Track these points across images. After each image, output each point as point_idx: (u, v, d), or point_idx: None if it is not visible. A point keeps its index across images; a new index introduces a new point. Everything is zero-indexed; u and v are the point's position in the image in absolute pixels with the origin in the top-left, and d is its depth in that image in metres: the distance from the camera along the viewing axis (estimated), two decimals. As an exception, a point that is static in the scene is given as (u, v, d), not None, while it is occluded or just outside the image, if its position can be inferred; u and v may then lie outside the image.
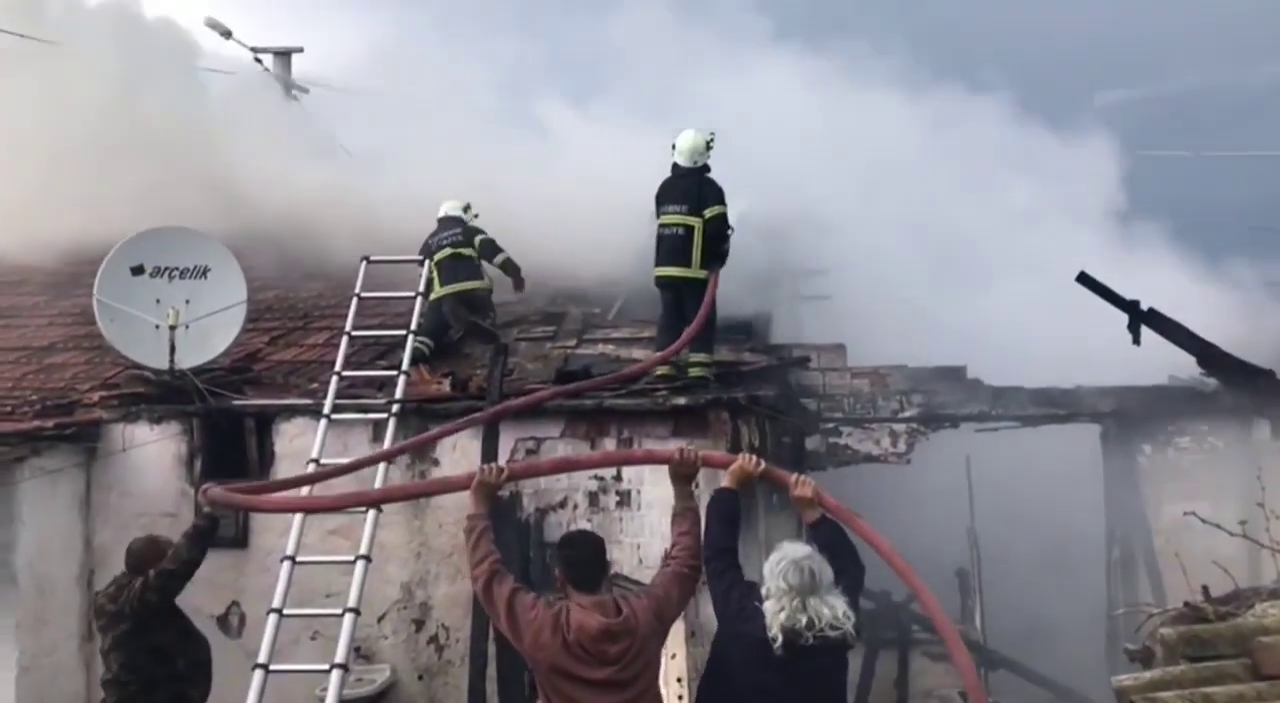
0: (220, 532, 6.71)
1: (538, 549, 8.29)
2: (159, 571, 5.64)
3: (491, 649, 7.91)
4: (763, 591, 4.49)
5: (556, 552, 4.98)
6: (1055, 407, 10.64)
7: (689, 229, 8.83)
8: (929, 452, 10.69)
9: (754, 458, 4.94)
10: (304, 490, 6.94)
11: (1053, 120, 13.90)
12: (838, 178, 11.37)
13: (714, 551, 4.78)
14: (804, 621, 4.35)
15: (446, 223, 10.24)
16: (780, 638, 4.35)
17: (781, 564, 4.46)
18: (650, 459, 6.76)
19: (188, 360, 8.68)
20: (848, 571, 4.61)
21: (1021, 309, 11.37)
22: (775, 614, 4.38)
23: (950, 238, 12.00)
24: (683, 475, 5.04)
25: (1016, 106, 14.06)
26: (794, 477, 4.93)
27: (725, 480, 4.94)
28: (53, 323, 10.97)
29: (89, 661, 8.52)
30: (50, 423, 8.41)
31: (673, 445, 6.60)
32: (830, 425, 10.49)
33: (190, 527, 5.78)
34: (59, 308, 11.31)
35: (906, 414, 10.50)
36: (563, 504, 8.43)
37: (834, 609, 4.38)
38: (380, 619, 8.38)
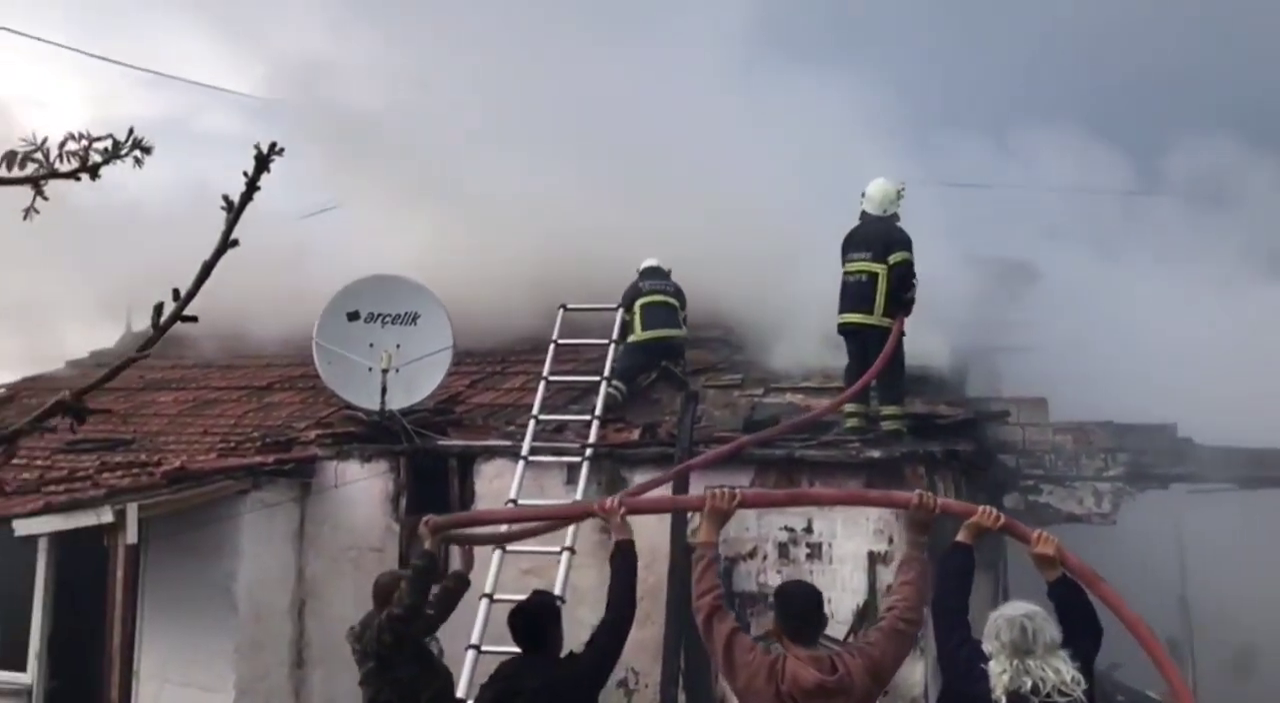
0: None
1: (727, 600, 8.26)
2: (389, 615, 5.81)
3: (682, 698, 7.92)
4: (985, 649, 4.37)
5: (774, 602, 4.95)
6: (1276, 469, 9.98)
7: (873, 276, 8.75)
8: (1136, 513, 10.17)
9: (993, 511, 4.80)
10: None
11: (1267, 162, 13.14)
12: (1038, 226, 11.05)
13: (942, 607, 4.68)
14: (1029, 684, 4.19)
15: (650, 273, 10.41)
16: (1004, 700, 4.21)
17: (997, 621, 4.34)
18: (888, 502, 6.63)
19: (396, 402, 9.09)
20: (1082, 635, 4.42)
21: (1237, 365, 10.74)
22: (999, 675, 4.24)
23: (1159, 288, 11.46)
24: (918, 522, 4.92)
25: (1238, 143, 13.34)
26: (1036, 533, 4.75)
27: (960, 534, 4.80)
28: (270, 365, 11.68)
29: (299, 688, 8.96)
30: (270, 459, 8.94)
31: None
32: (1030, 483, 10.13)
33: (410, 569, 5.94)
34: (275, 350, 12.04)
35: (1111, 473, 10.04)
36: (752, 554, 8.39)
37: (1060, 673, 4.21)
38: (572, 661, 8.50)
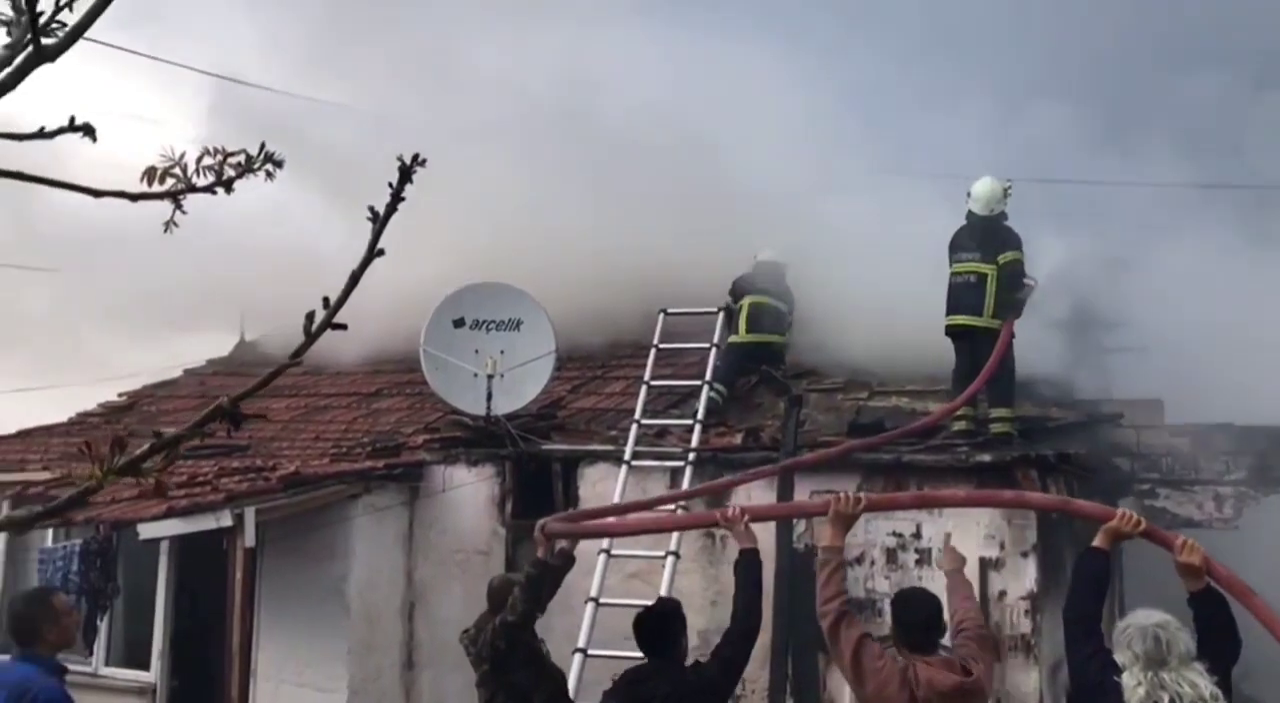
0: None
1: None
2: (502, 621, 5.87)
3: (789, 703, 7.88)
4: (1117, 660, 4.24)
5: (893, 609, 4.92)
6: None
7: (982, 277, 8.60)
8: (1261, 518, 9.78)
9: (1133, 515, 4.63)
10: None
11: None
12: (1152, 222, 10.69)
13: (1076, 615, 4.52)
14: (1165, 699, 4.02)
15: (763, 268, 10.22)
16: None
17: (1128, 631, 4.18)
18: (1020, 503, 6.48)
19: (502, 407, 9.22)
20: (1221, 648, 4.25)
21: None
22: (1133, 688, 4.08)
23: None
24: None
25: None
26: (1180, 540, 4.52)
27: (1097, 539, 4.65)
28: (379, 371, 11.93)
29: (409, 689, 9.12)
30: (380, 463, 9.13)
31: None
32: (1145, 487, 9.80)
33: (523, 576, 5.99)
34: (382, 357, 12.27)
35: (1233, 477, 9.66)
36: (859, 560, 8.29)
37: (1198, 688, 4.03)
38: (677, 666, 8.51)
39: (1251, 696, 9.54)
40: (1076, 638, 4.48)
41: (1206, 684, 4.06)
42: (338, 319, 1.83)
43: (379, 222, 1.86)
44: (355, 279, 1.85)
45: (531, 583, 5.86)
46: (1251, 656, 4.50)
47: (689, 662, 5.09)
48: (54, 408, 12.93)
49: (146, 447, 1.78)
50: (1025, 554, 7.87)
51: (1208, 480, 9.68)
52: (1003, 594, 7.87)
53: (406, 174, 1.83)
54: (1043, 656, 7.90)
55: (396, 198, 1.85)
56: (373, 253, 1.89)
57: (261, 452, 9.90)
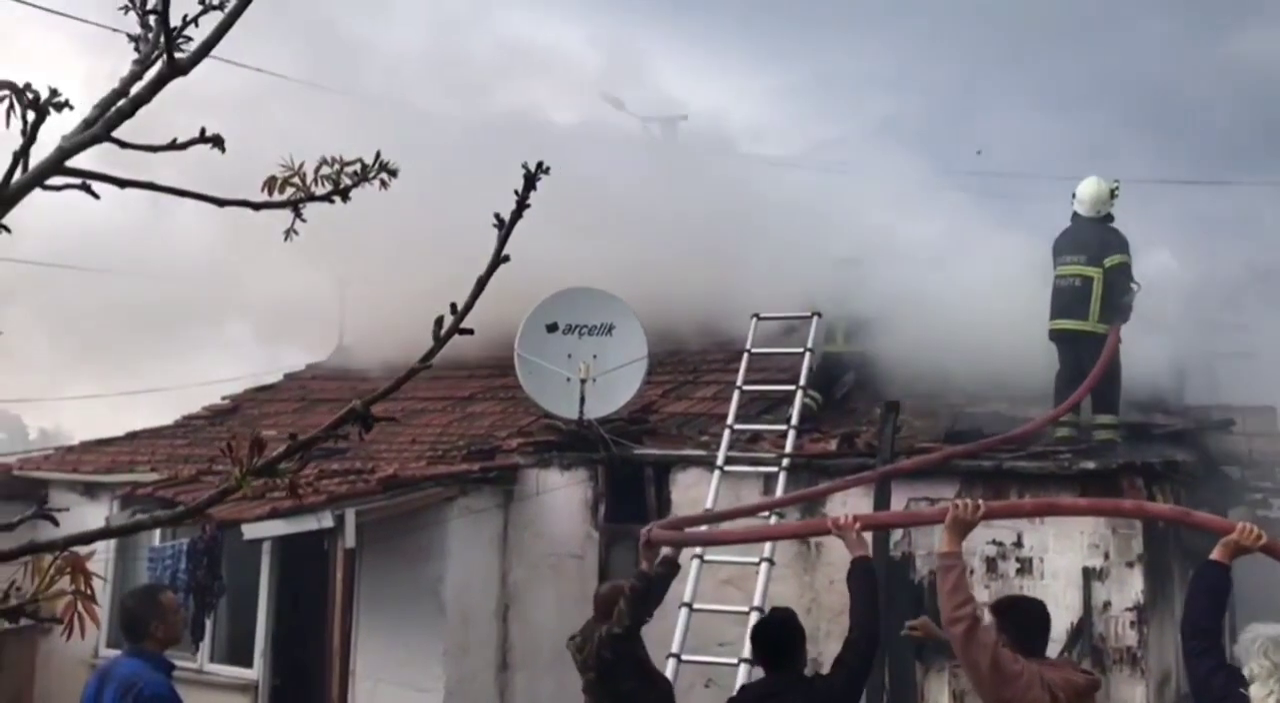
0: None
1: (931, 613, 8.06)
2: (609, 632, 5.90)
3: (890, 713, 7.76)
4: (1245, 673, 4.11)
5: (1005, 616, 4.84)
6: None
7: (1087, 280, 8.41)
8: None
9: (1254, 528, 4.48)
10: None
11: None
12: (1257, 222, 10.35)
13: (1195, 629, 4.40)
14: None
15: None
16: None
17: (1259, 643, 4.08)
18: (1141, 512, 6.33)
19: (594, 411, 9.25)
20: None
21: None
22: (1264, 698, 4.00)
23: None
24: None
25: None
26: None
27: (1215, 551, 4.51)
28: (472, 375, 12.06)
29: (503, 690, 9.21)
30: (476, 466, 9.24)
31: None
32: (1258, 497, 9.49)
33: (628, 588, 6.00)
34: (476, 361, 12.41)
35: (1351, 486, 9.31)
36: (965, 567, 8.13)
37: None
38: (771, 672, 8.45)
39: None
40: (1198, 653, 4.36)
41: None
42: (465, 325, 1.85)
43: (505, 228, 1.88)
44: (481, 285, 1.87)
45: (637, 596, 5.88)
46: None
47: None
48: (155, 412, 13.35)
49: (283, 449, 1.82)
50: (1131, 565, 7.66)
51: (1324, 490, 9.35)
52: (1107, 605, 7.67)
53: (531, 181, 1.84)
54: (1150, 669, 7.67)
55: (522, 205, 1.86)
56: (499, 259, 1.90)
57: (360, 454, 10.07)
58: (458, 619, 8.98)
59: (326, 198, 2.47)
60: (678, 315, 11.67)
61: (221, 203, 2.30)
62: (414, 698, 8.88)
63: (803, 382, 9.38)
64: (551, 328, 9.52)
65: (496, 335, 9.23)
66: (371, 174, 2.47)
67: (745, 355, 9.76)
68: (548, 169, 1.83)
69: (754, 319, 10.04)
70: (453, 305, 1.83)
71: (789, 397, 9.36)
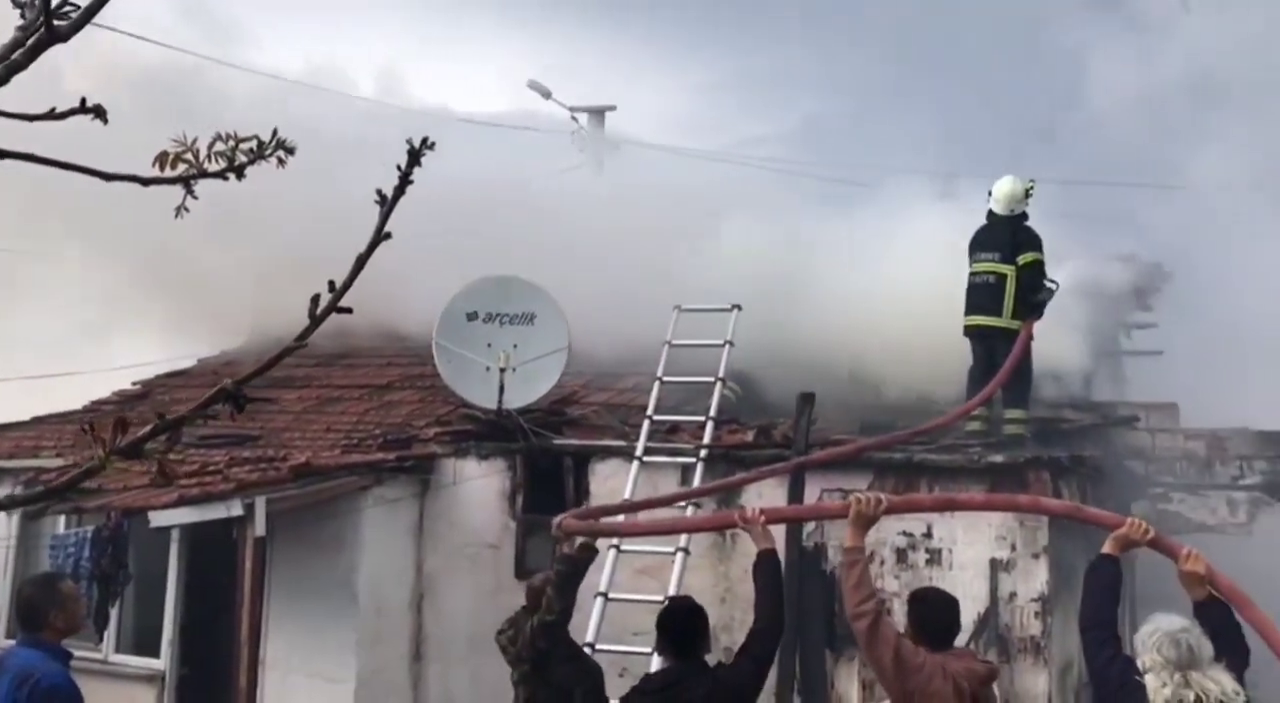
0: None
1: (842, 603, 8.17)
2: (540, 622, 5.88)
3: (797, 702, 7.85)
4: (1139, 663, 4.24)
5: (912, 608, 4.94)
6: None
7: (1001, 277, 8.57)
8: (1274, 524, 9.72)
9: (1143, 523, 4.63)
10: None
11: None
12: (1166, 222, 10.64)
13: (1092, 620, 4.55)
14: (1191, 697, 4.05)
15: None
16: None
17: (1155, 636, 4.19)
18: (1035, 507, 6.48)
19: (514, 401, 9.21)
20: (1231, 656, 4.25)
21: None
22: (1158, 690, 4.11)
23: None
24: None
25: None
26: (1185, 549, 4.54)
27: (1107, 545, 4.66)
28: (391, 364, 11.93)
29: (416, 681, 9.14)
30: (392, 456, 9.14)
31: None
32: (1159, 491, 9.76)
33: (554, 574, 5.97)
34: (394, 349, 12.27)
35: (1248, 482, 9.61)
36: (869, 559, 8.25)
37: (1221, 684, 4.06)
38: (684, 661, 8.50)
39: (1256, 699, 9.48)
40: (1096, 644, 4.50)
41: (1229, 681, 4.09)
42: (344, 303, 1.82)
43: (386, 205, 1.85)
44: (361, 264, 1.83)
45: (564, 580, 5.87)
46: (1260, 667, 4.48)
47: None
48: (65, 397, 12.96)
49: (148, 428, 1.77)
50: (1036, 556, 7.85)
51: (1222, 485, 9.66)
52: (1013, 596, 7.85)
53: (416, 157, 1.82)
54: (1053, 657, 7.86)
55: (405, 181, 1.83)
56: (379, 237, 1.87)
57: (273, 442, 9.92)
58: (371, 609, 8.89)
59: (220, 175, 2.41)
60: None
61: (108, 177, 2.24)
62: (325, 688, 8.77)
63: (721, 374, 9.42)
64: (471, 316, 9.44)
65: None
66: (268, 152, 2.42)
67: (665, 347, 9.77)
68: (432, 145, 1.80)
69: (675, 311, 10.06)
70: (330, 283, 1.80)
71: (710, 388, 9.38)
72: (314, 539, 8.89)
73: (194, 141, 2.38)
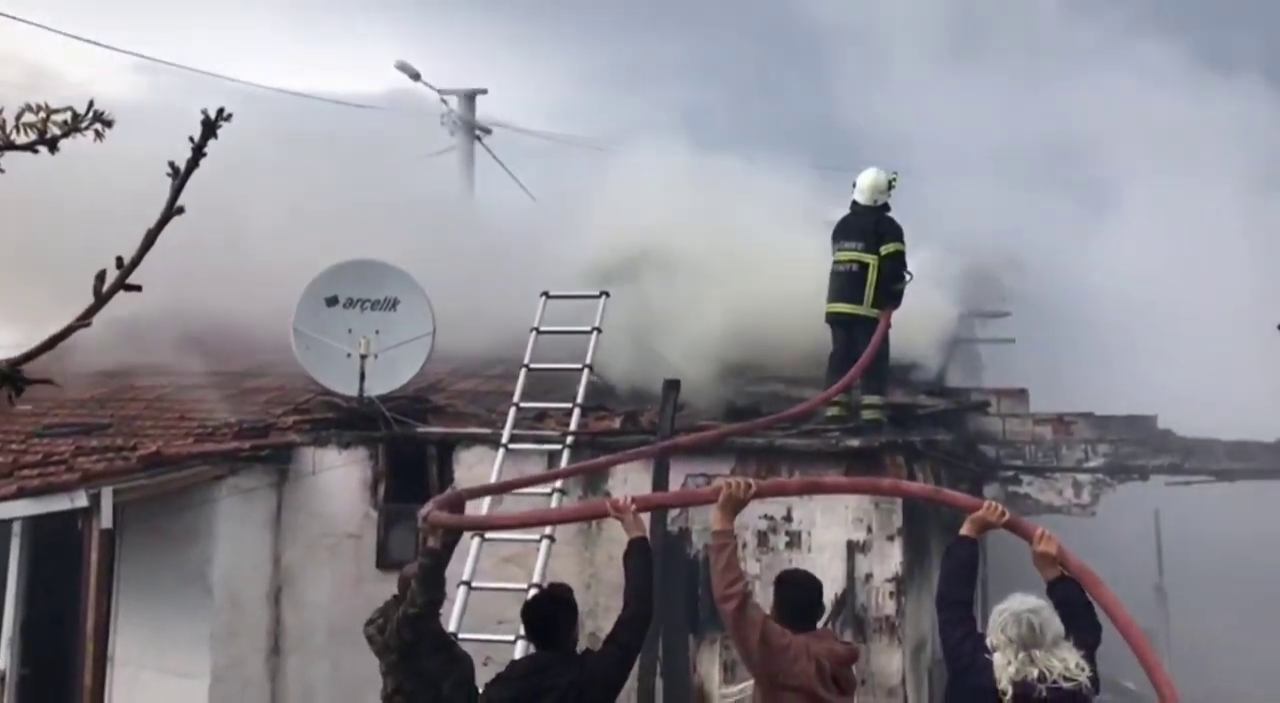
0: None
1: (706, 587, 8.27)
2: (404, 614, 5.77)
3: (660, 685, 7.92)
4: (988, 642, 4.38)
5: (777, 590, 5.02)
6: (1254, 461, 10.04)
7: (863, 266, 8.74)
8: (1115, 504, 10.20)
9: (999, 506, 4.75)
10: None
11: (1259, 161, 13.16)
12: (1021, 216, 11.03)
13: (948, 601, 4.69)
14: (1034, 673, 4.21)
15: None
16: (1010, 691, 4.23)
17: (1003, 616, 4.35)
18: (896, 490, 6.63)
19: (376, 389, 9.03)
20: (1082, 633, 4.42)
21: (1218, 358, 10.77)
22: (1004, 667, 4.26)
23: (1142, 281, 11.48)
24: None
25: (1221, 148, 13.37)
26: (1039, 531, 4.69)
27: (964, 527, 4.78)
28: (249, 349, 11.57)
29: (274, 674, 8.92)
30: (247, 444, 8.88)
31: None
32: (1010, 474, 10.14)
33: (418, 566, 5.84)
34: (254, 335, 11.89)
35: (1092, 464, 10.06)
36: (737, 544, 8.36)
37: (1065, 661, 4.22)
38: (549, 649, 8.49)
39: (1105, 672, 9.95)
40: (950, 622, 4.64)
41: (1074, 657, 4.25)
42: (132, 281, 1.74)
43: (179, 178, 1.77)
44: (151, 239, 1.75)
45: (427, 573, 5.74)
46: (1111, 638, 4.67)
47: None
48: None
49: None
50: (891, 538, 8.07)
51: (1068, 468, 10.07)
52: (869, 577, 8.05)
53: (211, 128, 1.75)
54: (906, 636, 8.10)
55: (198, 153, 1.76)
56: (171, 211, 1.79)
57: (123, 431, 9.53)
58: (226, 602, 8.63)
59: (30, 147, 2.28)
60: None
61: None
62: (178, 685, 8.50)
63: (588, 361, 9.41)
64: (332, 301, 9.23)
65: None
66: (84, 124, 2.30)
67: (533, 334, 9.71)
68: (229, 116, 1.74)
69: (543, 298, 10.00)
70: (119, 259, 1.72)
71: (578, 376, 9.36)
72: (165, 531, 8.60)
73: (0, 110, 2.25)
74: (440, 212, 11.72)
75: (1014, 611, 4.34)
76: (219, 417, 9.79)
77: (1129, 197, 12.34)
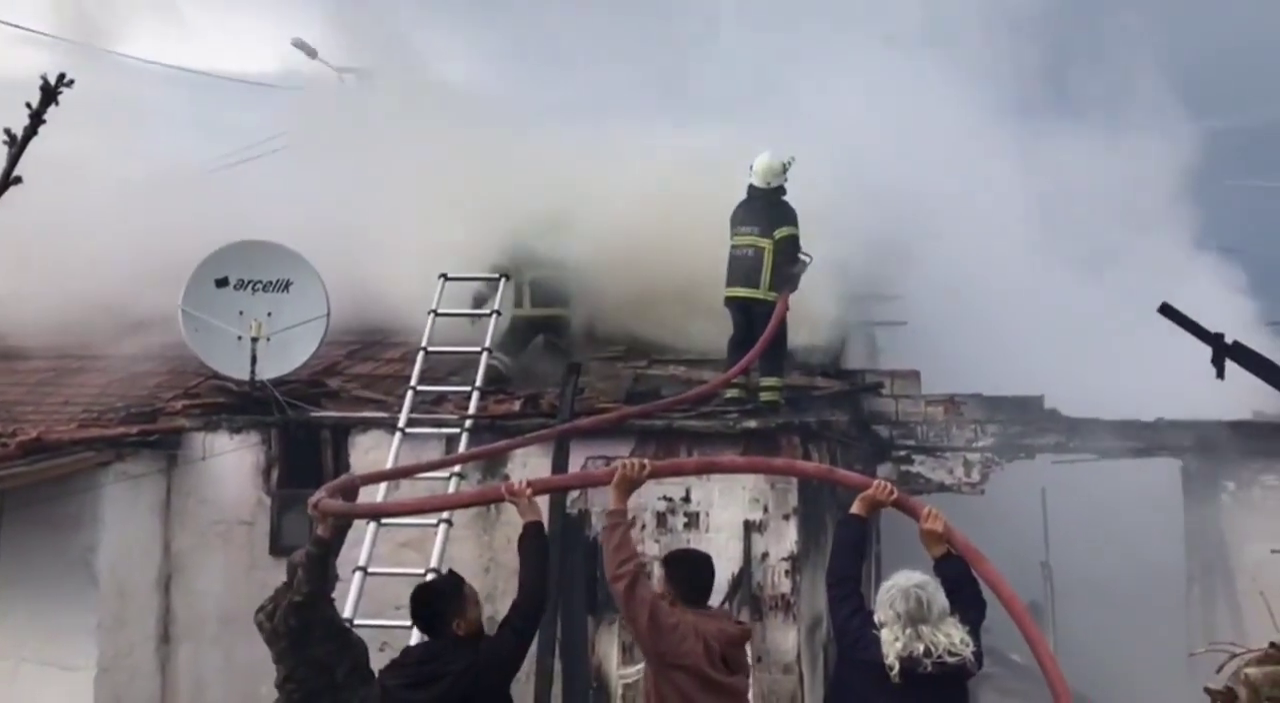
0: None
1: (602, 568, 8.30)
2: (290, 601, 5.66)
3: (558, 666, 7.93)
4: (876, 618, 4.48)
5: (668, 569, 5.04)
6: (1135, 440, 10.43)
7: (759, 251, 8.82)
8: (1003, 482, 10.51)
9: (887, 485, 4.84)
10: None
11: (1137, 149, 13.63)
12: (914, 201, 11.22)
13: (837, 578, 4.78)
14: (920, 649, 4.32)
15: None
16: (897, 666, 4.33)
17: (890, 591, 4.45)
18: (790, 469, 6.87)
19: (268, 372, 8.84)
20: (968, 608, 4.55)
21: (1102, 340, 11.15)
22: (890, 643, 4.36)
23: (1029, 266, 11.83)
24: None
25: (1100, 135, 13.82)
26: (926, 509, 4.79)
27: (854, 506, 4.86)
28: (138, 332, 11.23)
29: (164, 664, 8.73)
30: (134, 430, 8.64)
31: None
32: (902, 453, 10.38)
33: (303, 556, 5.73)
34: (139, 316, 11.53)
35: (981, 444, 10.35)
36: (631, 523, 8.40)
37: (951, 637, 4.35)
38: (448, 633, 8.44)
39: (992, 646, 10.26)
40: (839, 599, 4.73)
41: (959, 633, 4.38)
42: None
43: (16, 146, 1.71)
44: (-16, 205, 1.69)
45: (313, 562, 5.65)
46: (993, 611, 4.81)
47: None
48: None
49: None
50: (787, 517, 8.19)
51: (958, 448, 10.35)
52: (765, 556, 8.16)
53: (51, 94, 1.69)
54: (801, 614, 8.24)
55: (36, 120, 1.70)
56: (8, 180, 1.73)
57: (2, 416, 9.20)
58: (112, 591, 8.39)
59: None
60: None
61: None
62: (61, 677, 8.25)
63: (488, 344, 9.35)
64: (221, 283, 9.00)
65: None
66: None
67: (431, 317, 9.61)
68: (70, 82, 1.68)
69: (441, 280, 9.89)
70: (-49, 228, 1.65)
71: (477, 359, 9.29)
72: (47, 519, 8.30)
73: None
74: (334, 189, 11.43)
75: (900, 586, 4.45)
76: (105, 401, 9.52)
77: (1009, 180, 12.68)
